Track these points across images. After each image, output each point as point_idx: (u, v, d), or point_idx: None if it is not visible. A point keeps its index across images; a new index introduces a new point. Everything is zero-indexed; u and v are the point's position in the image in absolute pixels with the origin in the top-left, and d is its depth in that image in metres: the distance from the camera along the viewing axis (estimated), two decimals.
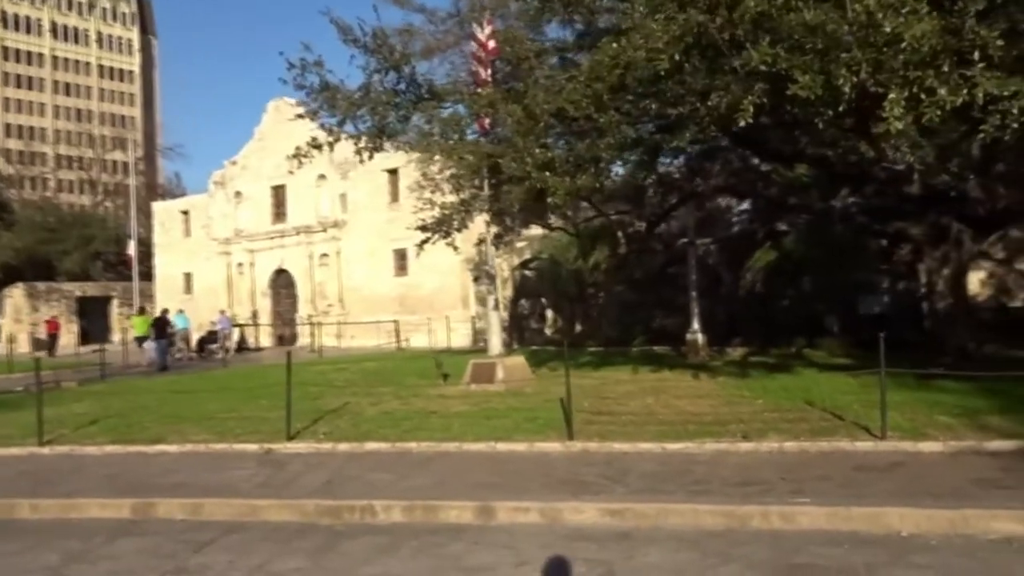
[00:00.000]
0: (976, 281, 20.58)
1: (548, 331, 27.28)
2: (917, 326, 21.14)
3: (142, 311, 29.29)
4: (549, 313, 28.13)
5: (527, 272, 29.79)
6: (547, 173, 9.52)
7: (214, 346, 30.11)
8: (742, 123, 7.12)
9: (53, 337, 34.37)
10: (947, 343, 14.42)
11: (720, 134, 10.09)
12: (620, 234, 19.40)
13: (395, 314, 30.82)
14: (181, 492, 7.90)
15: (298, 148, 12.33)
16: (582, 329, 26.23)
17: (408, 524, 7.01)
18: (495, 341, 14.69)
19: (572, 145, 10.16)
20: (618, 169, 11.49)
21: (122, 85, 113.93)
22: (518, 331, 28.06)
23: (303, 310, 34.00)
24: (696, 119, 8.64)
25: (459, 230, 17.06)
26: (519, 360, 14.67)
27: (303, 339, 33.23)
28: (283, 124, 35.37)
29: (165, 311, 27.18)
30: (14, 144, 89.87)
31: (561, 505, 6.97)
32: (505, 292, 30.05)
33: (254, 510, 7.40)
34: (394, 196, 31.74)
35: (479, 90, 13.17)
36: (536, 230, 25.32)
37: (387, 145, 13.38)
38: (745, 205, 24.36)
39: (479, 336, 29.47)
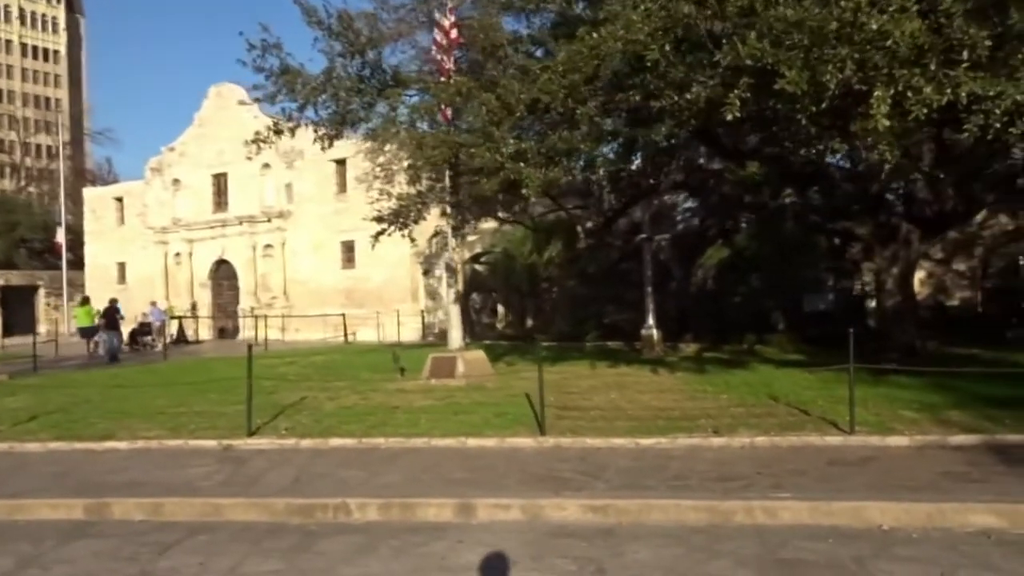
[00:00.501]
0: (916, 280, 21.31)
1: (499, 326, 27.15)
2: (861, 323, 21.77)
3: (85, 301, 27.79)
4: (500, 308, 27.99)
5: (477, 266, 29.59)
6: (521, 164, 9.36)
7: (148, 338, 29.02)
8: (729, 117, 7.10)
9: None
10: (894, 340, 14.83)
11: (692, 130, 10.07)
12: (579, 228, 19.36)
13: (342, 307, 30.21)
14: (138, 491, 7.47)
15: (257, 133, 11.84)
16: (533, 324, 26.20)
17: (385, 523, 6.77)
18: (455, 335, 14.45)
19: (544, 137, 10.03)
20: (578, 163, 11.38)
21: (46, 65, 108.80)
22: (469, 325, 27.81)
23: (245, 302, 33.02)
24: (673, 113, 8.60)
25: (416, 222, 16.79)
26: (479, 355, 14.48)
27: (245, 332, 32.30)
28: (225, 110, 34.33)
29: (114, 300, 26.07)
30: None
31: (543, 502, 6.84)
32: (456, 286, 29.79)
33: (219, 510, 7.04)
34: (342, 187, 31.09)
35: (443, 79, 12.91)
36: (488, 224, 25.16)
37: (348, 132, 12.99)
38: (689, 203, 24.68)
39: (428, 330, 29.17)
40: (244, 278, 33.34)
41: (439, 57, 13.39)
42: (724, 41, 7.84)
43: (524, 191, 9.79)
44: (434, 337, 28.69)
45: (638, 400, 11.55)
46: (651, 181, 17.68)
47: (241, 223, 33.15)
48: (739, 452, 8.44)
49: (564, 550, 5.91)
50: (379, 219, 16.89)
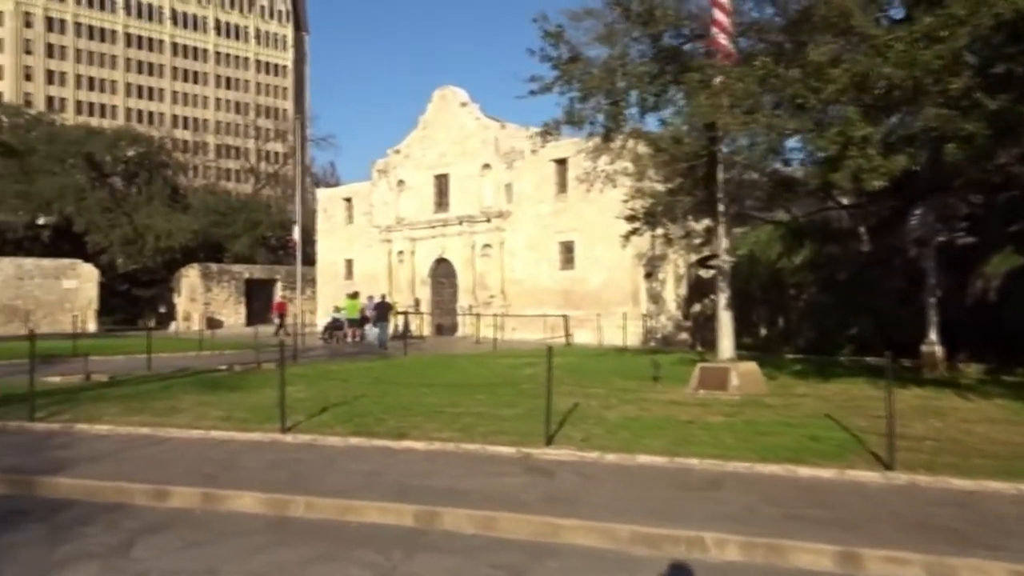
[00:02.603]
0: None
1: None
2: None
3: (355, 295, 30.00)
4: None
5: (702, 272, 28.03)
6: (871, 151, 8.08)
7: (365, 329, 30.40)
8: None
9: (283, 317, 34.62)
10: None
11: None
12: (862, 230, 17.45)
13: (558, 308, 29.87)
14: (461, 500, 7.06)
15: (546, 125, 11.42)
16: (767, 333, 24.28)
17: (749, 565, 5.84)
18: (726, 344, 13.30)
19: (876, 120, 8.66)
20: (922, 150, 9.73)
21: (276, 79, 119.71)
22: (700, 334, 26.36)
23: (463, 300, 33.67)
24: None
25: (673, 221, 15.86)
26: (752, 367, 13.22)
27: (464, 329, 32.92)
28: (447, 112, 35.27)
29: (384, 296, 28.10)
30: (180, 134, 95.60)
31: (953, 561, 5.59)
32: (679, 290, 28.50)
33: (555, 530, 6.43)
34: (561, 187, 30.75)
35: (726, 63, 11.80)
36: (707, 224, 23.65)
37: (633, 123, 12.24)
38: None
39: (650, 335, 28.09)
40: (463, 276, 34.02)
41: (717, 38, 12.24)
42: None
43: (877, 183, 8.49)
44: (655, 342, 27.59)
45: (973, 431, 9.81)
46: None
47: (461, 223, 33.84)
48: None
49: None
50: (631, 218, 16.14)
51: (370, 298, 31.91)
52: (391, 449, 9.18)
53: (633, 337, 27.56)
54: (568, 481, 7.79)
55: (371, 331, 27.15)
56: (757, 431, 9.61)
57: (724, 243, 13.72)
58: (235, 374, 16.72)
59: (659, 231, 16.52)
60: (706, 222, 22.77)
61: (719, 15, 12.24)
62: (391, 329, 28.21)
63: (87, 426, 10.57)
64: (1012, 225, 18.11)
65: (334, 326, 30.31)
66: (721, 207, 13.30)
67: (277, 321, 34.63)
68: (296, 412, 10.80)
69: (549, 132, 11.55)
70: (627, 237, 15.87)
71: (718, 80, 11.47)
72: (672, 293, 28.36)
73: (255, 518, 7.04)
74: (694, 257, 27.84)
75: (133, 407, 11.74)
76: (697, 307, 27.88)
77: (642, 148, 18.47)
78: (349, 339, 29.49)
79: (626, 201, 15.89)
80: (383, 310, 26.38)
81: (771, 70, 9.62)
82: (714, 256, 27.28)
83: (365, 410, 11.34)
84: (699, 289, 28.05)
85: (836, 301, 22.51)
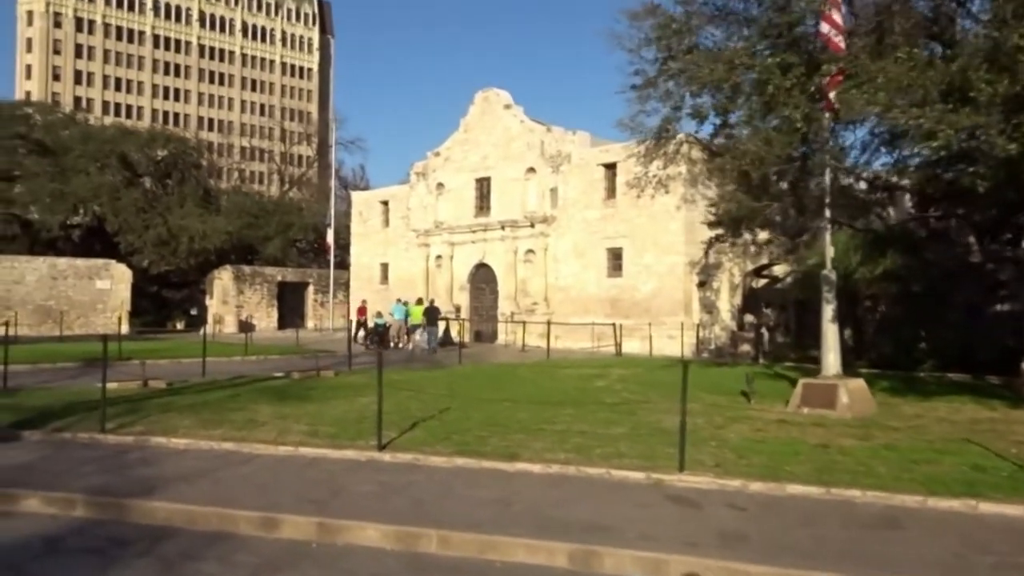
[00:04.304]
0: None
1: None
2: None
3: (419, 301, 29.25)
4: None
5: (755, 282, 27.09)
6: None
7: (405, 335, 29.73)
8: None
9: (362, 323, 32.79)
10: None
11: None
12: (972, 239, 16.49)
13: (605, 317, 28.97)
14: (614, 538, 6.25)
15: (664, 119, 10.62)
16: None
17: None
18: (831, 359, 12.37)
19: None
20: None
21: (301, 82, 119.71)
22: (759, 345, 25.39)
23: (504, 307, 32.83)
24: None
25: (763, 227, 15.03)
26: (860, 384, 12.32)
27: (504, 336, 32.09)
28: (490, 115, 34.55)
29: (432, 300, 27.32)
30: (207, 136, 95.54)
31: None
32: (734, 300, 27.55)
33: None
34: (610, 192, 29.89)
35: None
36: (762, 234, 22.71)
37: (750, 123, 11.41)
38: None
39: (703, 346, 27.15)
40: (504, 283, 33.19)
41: (826, 33, 11.38)
42: None
43: None
44: (709, 354, 26.66)
45: None
46: None
47: (503, 228, 33.03)
48: None
49: None
50: (713, 224, 15.32)
51: (398, 301, 31.05)
52: (505, 472, 8.37)
53: (686, 348, 26.62)
54: (721, 514, 6.96)
55: (419, 337, 26.56)
56: (906, 458, 8.72)
57: (829, 252, 12.79)
58: (296, 382, 15.99)
59: (746, 237, 15.66)
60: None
61: (830, 9, 11.40)
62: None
63: (164, 439, 9.85)
64: None
65: (376, 331, 29.61)
66: (827, 213, 12.40)
67: (359, 324, 32.59)
68: (384, 427, 9.99)
69: (667, 127, 10.77)
70: (711, 243, 15.05)
71: (831, 73, 10.64)
72: (727, 303, 27.40)
73: (383, 554, 6.25)
74: (750, 266, 26.95)
75: (207, 419, 11.00)
76: (750, 318, 26.95)
77: (696, 153, 17.67)
78: (398, 345, 28.99)
79: (710, 206, 15.07)
80: (432, 315, 25.83)
81: (918, 60, 8.76)
82: (770, 265, 26.47)
83: (459, 426, 10.54)
84: (754, 299, 27.11)
85: (913, 314, 21.51)
